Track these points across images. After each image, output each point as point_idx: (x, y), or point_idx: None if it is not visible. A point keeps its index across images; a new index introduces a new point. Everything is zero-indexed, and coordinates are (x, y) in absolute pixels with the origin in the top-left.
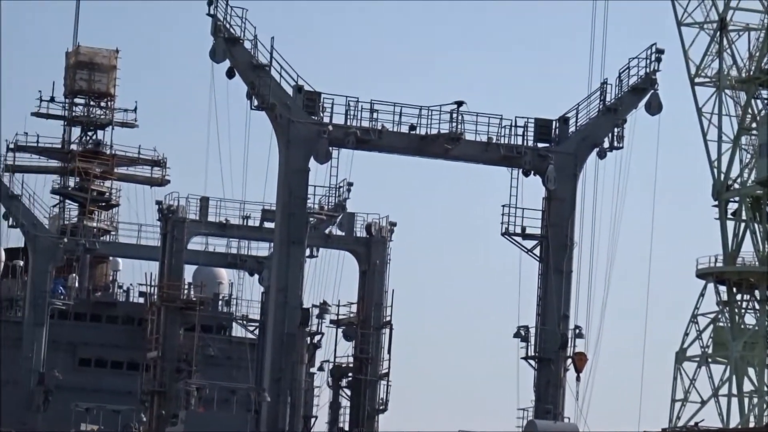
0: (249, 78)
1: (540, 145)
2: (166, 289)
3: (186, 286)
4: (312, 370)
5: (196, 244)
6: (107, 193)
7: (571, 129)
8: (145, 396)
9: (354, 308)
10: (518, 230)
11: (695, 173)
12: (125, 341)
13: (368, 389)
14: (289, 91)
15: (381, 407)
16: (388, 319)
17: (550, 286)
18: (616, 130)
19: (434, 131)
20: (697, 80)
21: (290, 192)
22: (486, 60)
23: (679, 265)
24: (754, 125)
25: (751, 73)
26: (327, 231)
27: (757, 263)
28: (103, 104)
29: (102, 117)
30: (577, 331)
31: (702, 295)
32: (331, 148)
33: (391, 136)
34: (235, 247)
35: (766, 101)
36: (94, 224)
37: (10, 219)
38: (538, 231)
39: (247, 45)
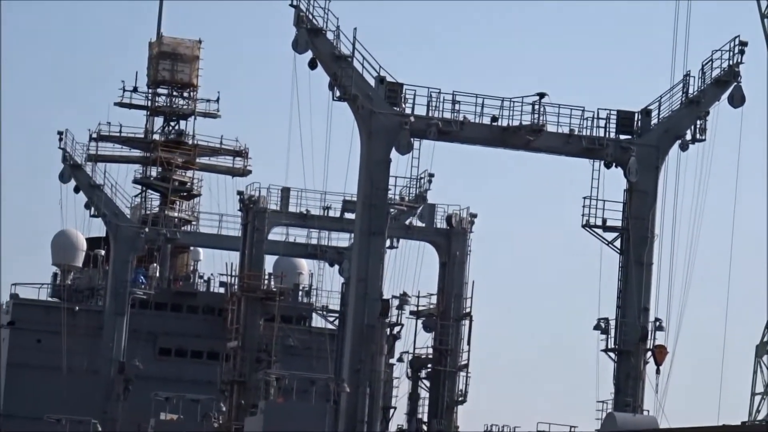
0: (331, 69)
1: (622, 137)
2: (247, 279)
3: (266, 277)
4: (391, 361)
5: (276, 234)
6: (189, 183)
7: (654, 121)
8: (224, 386)
9: (434, 299)
10: (599, 222)
11: None
12: (205, 331)
13: (447, 381)
14: (371, 82)
15: (460, 399)
16: (468, 310)
17: (630, 278)
18: (698, 122)
19: (516, 123)
20: None
21: (371, 183)
22: (568, 52)
23: (760, 258)
24: None
25: None
26: (407, 222)
27: None
28: (185, 94)
29: (184, 107)
30: (658, 323)
31: None
32: (412, 139)
33: (473, 128)
34: (316, 237)
35: None
36: (176, 214)
37: (92, 208)
38: (619, 223)
39: (330, 36)
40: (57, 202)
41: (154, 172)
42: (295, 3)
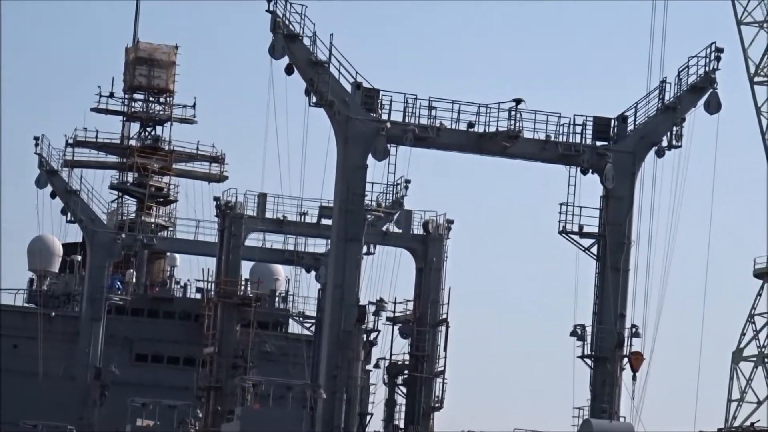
0: (308, 75)
1: (598, 143)
2: (223, 285)
3: (243, 283)
4: (368, 367)
5: (253, 240)
6: (165, 189)
7: (630, 127)
8: (201, 392)
9: (410, 306)
10: (575, 228)
11: (754, 173)
12: (182, 337)
13: (424, 387)
14: (348, 88)
15: (437, 405)
16: (444, 316)
17: (606, 284)
18: (674, 128)
19: (492, 129)
20: (756, 79)
21: (348, 189)
22: (545, 58)
23: (737, 265)
24: None
25: None
26: (384, 228)
27: None
28: (162, 100)
29: (161, 113)
30: (634, 330)
31: (759, 294)
32: (389, 145)
33: (449, 134)
34: (292, 243)
35: None
36: (152, 220)
37: (69, 214)
38: (595, 229)
39: (306, 42)
40: (33, 208)
41: (130, 177)
42: (271, 9)
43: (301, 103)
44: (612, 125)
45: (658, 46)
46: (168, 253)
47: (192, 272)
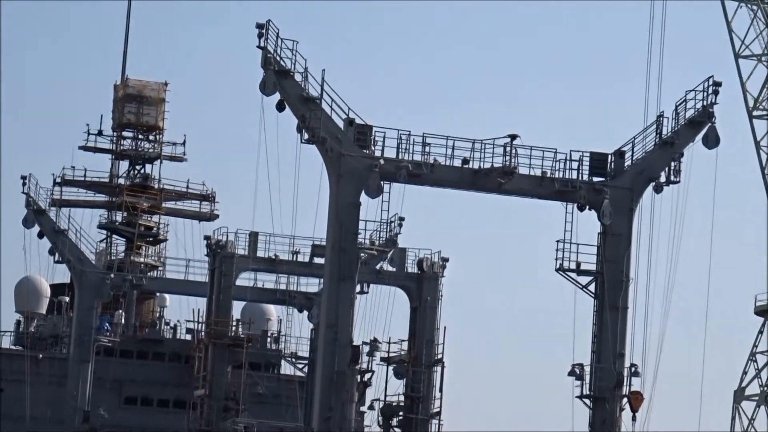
0: (299, 111)
1: (595, 179)
2: (214, 325)
3: (234, 323)
4: (362, 408)
5: (244, 279)
6: (155, 228)
7: (627, 163)
8: None
9: (405, 346)
10: (573, 266)
11: (754, 208)
12: (172, 379)
13: (420, 429)
14: (340, 124)
15: None
16: (439, 356)
17: (605, 323)
18: (672, 164)
19: (487, 165)
20: (755, 113)
21: (341, 227)
22: (540, 93)
23: (738, 302)
24: None
25: None
26: (378, 267)
27: None
28: (151, 137)
29: (150, 150)
30: (633, 369)
31: (760, 332)
32: (382, 182)
33: (444, 170)
34: (284, 283)
35: None
36: (142, 259)
37: (57, 254)
38: (593, 267)
39: (298, 78)
40: (20, 248)
41: (119, 217)
42: (262, 45)
43: (293, 140)
44: (609, 161)
45: (655, 80)
46: (157, 294)
47: (182, 313)
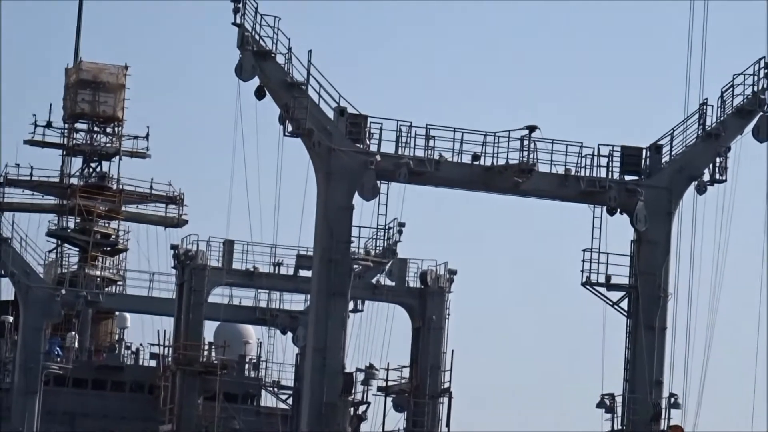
0: (282, 99)
1: (627, 177)
2: (183, 350)
3: (206, 347)
4: None
5: (218, 296)
6: (113, 236)
7: (665, 159)
8: None
9: (406, 373)
10: (602, 279)
11: None
12: (134, 412)
13: None
14: (330, 114)
15: None
16: (446, 385)
17: (639, 346)
18: (718, 159)
19: (502, 161)
20: None
21: (331, 234)
22: (563, 78)
23: None
24: None
25: None
26: (374, 280)
27: None
28: (109, 130)
29: (108, 145)
30: (673, 399)
31: None
32: (379, 182)
33: (451, 168)
34: (265, 300)
35: None
36: (98, 273)
37: None
38: (625, 280)
39: (280, 60)
40: None
41: (71, 222)
42: (238, 21)
43: (275, 133)
44: (643, 156)
45: (697, 63)
46: (117, 313)
47: (145, 335)
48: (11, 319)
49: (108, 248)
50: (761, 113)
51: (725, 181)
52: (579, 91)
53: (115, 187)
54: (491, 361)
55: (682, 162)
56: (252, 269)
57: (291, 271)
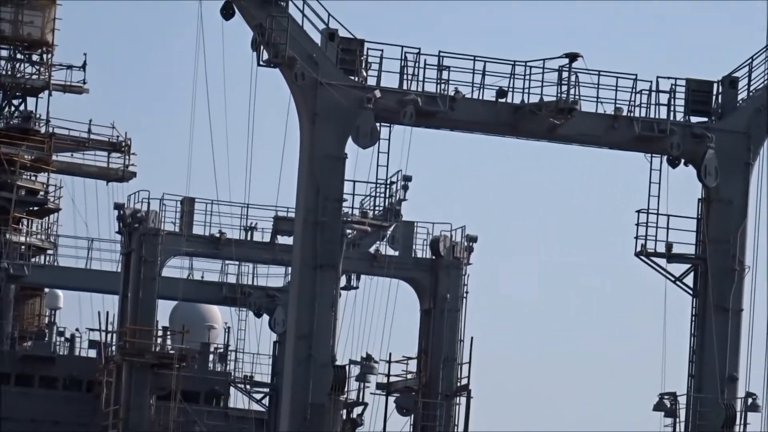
0: (255, 18)
1: (694, 119)
2: (130, 336)
3: (160, 333)
4: None
5: (174, 268)
6: (41, 192)
7: (741, 95)
8: None
9: (412, 366)
10: (661, 249)
11: None
12: (68, 415)
13: None
14: (317, 38)
15: None
16: (463, 382)
17: (708, 332)
18: None
19: (534, 99)
20: None
21: (317, 191)
22: None
23: None
24: None
25: None
26: (372, 249)
27: None
28: (35, 58)
29: (34, 77)
30: (750, 400)
31: None
32: (378, 125)
33: (469, 107)
34: (234, 273)
35: None
36: (22, 239)
37: None
38: (691, 250)
39: None
40: None
41: None
42: None
43: (246, 62)
44: (715, 92)
45: None
46: (46, 290)
47: (83, 318)
48: None
49: (35, 208)
50: None
51: None
52: (631, 11)
53: (43, 130)
54: (519, 352)
55: (763, 99)
56: (218, 235)
57: (267, 238)
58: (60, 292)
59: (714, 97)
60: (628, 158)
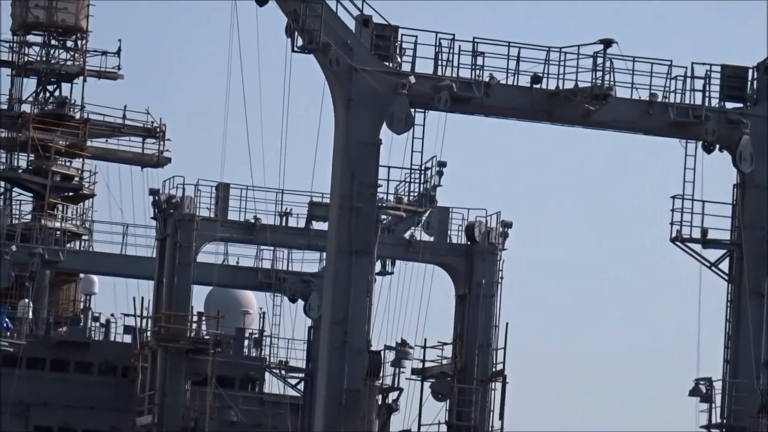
0: (290, 4)
1: (729, 105)
2: (165, 322)
3: (195, 318)
4: None
5: (209, 254)
6: (76, 178)
7: None
8: None
9: (448, 352)
10: (696, 234)
11: None
12: (103, 401)
13: None
14: (351, 25)
15: None
16: (499, 367)
17: (744, 318)
18: None
19: (569, 85)
20: None
21: (352, 177)
22: None
23: None
24: None
25: None
26: (407, 235)
27: None
28: (70, 44)
29: (69, 63)
30: None
31: None
32: (413, 111)
33: (504, 93)
34: (269, 259)
35: None
36: (57, 224)
37: None
38: (726, 235)
39: None
40: None
41: (23, 161)
42: None
43: (281, 49)
44: (750, 78)
45: None
46: (81, 275)
47: (118, 303)
48: None
49: (70, 193)
50: None
51: None
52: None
53: (78, 116)
54: (554, 338)
55: None
56: (253, 221)
57: (302, 223)
58: (95, 278)
59: (749, 83)
60: (663, 144)
